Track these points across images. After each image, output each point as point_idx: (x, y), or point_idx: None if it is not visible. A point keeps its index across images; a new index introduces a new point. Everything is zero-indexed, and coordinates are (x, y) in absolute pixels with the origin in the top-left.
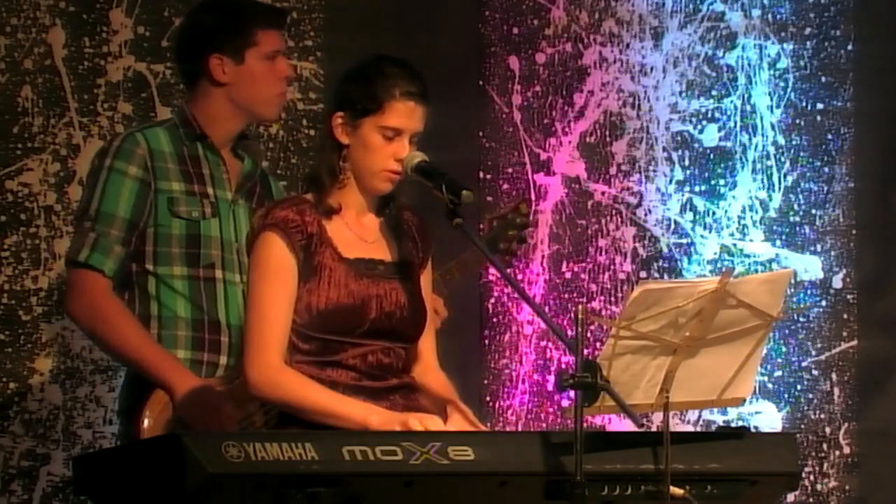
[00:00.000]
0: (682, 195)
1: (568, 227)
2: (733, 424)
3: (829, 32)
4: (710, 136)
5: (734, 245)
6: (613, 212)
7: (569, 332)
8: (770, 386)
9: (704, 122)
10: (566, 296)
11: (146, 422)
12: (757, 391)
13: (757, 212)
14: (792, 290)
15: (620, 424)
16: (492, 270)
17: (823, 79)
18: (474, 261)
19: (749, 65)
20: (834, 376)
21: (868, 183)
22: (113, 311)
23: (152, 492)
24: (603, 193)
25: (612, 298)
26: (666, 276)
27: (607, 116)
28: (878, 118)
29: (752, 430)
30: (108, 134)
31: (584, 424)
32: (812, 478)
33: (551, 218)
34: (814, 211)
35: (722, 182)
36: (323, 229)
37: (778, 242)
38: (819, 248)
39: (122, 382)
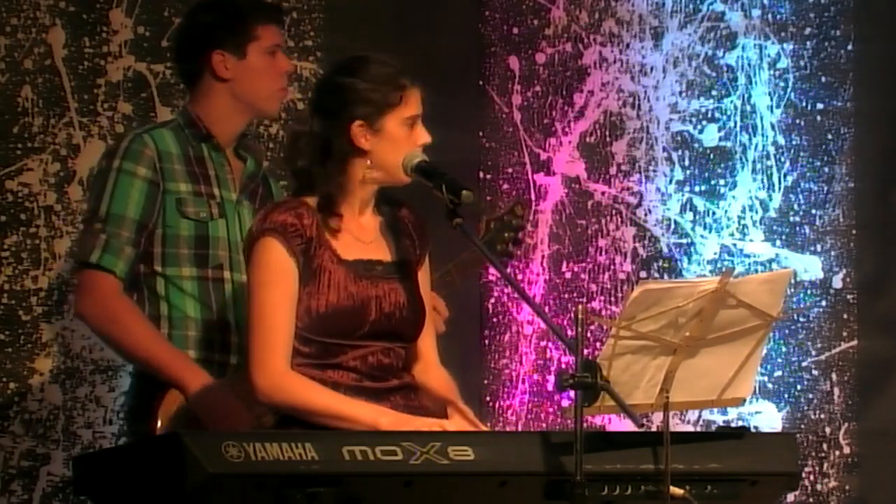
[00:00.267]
0: (682, 195)
1: (568, 227)
2: (733, 424)
3: (829, 32)
4: (710, 136)
5: (734, 245)
6: (613, 212)
7: (569, 332)
8: (770, 386)
9: (704, 122)
10: (566, 296)
11: (160, 422)
12: (757, 391)
13: (757, 212)
14: (792, 290)
15: (620, 424)
16: (492, 270)
17: (823, 79)
18: (473, 262)
19: (749, 65)
20: (834, 376)
21: (868, 183)
22: (125, 312)
23: (152, 492)
24: (603, 193)
25: (612, 298)
26: (666, 276)
27: (607, 116)
28: (878, 118)
29: (752, 430)
30: (108, 134)
31: (584, 424)
32: (812, 478)
33: (551, 218)
34: (814, 211)
35: (722, 182)
36: (321, 232)
37: (778, 242)
38: (819, 248)
39: (129, 383)
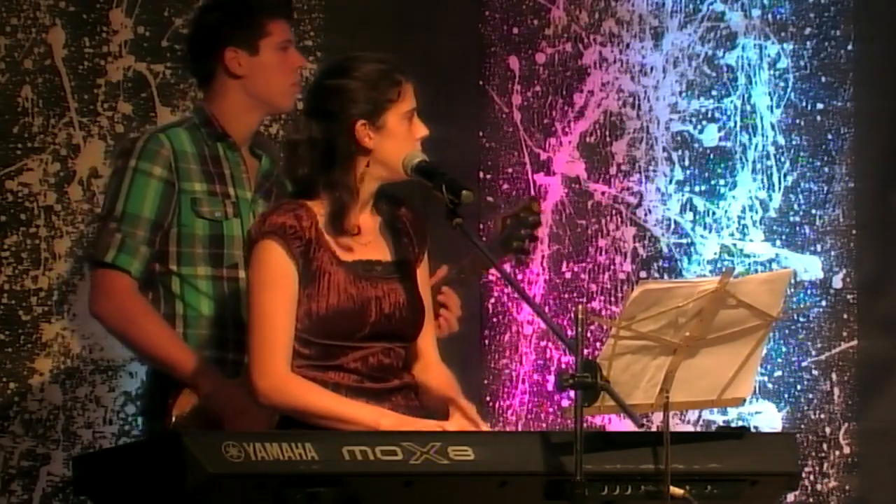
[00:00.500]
0: (682, 195)
1: (568, 227)
2: (733, 424)
3: (829, 32)
4: (710, 136)
5: (734, 245)
6: (613, 212)
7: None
8: (770, 386)
9: (704, 122)
10: (566, 296)
11: (175, 421)
12: (757, 391)
13: (757, 212)
14: (792, 290)
15: (620, 424)
16: (492, 270)
17: (823, 79)
18: (486, 259)
19: (749, 65)
20: (834, 376)
21: (868, 183)
22: (140, 312)
23: (152, 492)
24: (603, 193)
25: (612, 298)
26: (666, 276)
27: (607, 116)
28: (878, 118)
29: (752, 430)
30: (108, 134)
31: (584, 424)
32: (812, 478)
33: (551, 218)
34: (814, 211)
35: (722, 182)
36: (320, 234)
37: (778, 242)
38: (819, 248)
39: (144, 383)
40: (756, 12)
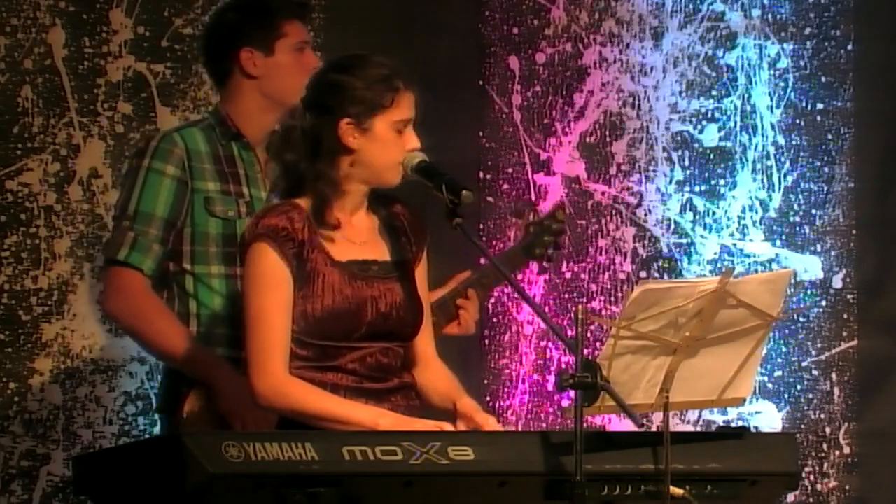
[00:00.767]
0: (682, 195)
1: (568, 227)
2: (733, 424)
3: (829, 32)
4: (710, 136)
5: (734, 245)
6: (613, 212)
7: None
8: (770, 386)
9: (704, 122)
10: (566, 296)
11: (186, 419)
12: (757, 391)
13: (757, 212)
14: (792, 290)
15: (620, 424)
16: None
17: (823, 79)
18: (511, 260)
19: (749, 65)
20: (834, 376)
21: (868, 183)
22: (153, 309)
23: (152, 492)
24: (603, 193)
25: (612, 298)
26: (666, 276)
27: (607, 116)
28: (878, 118)
29: (752, 430)
30: (108, 134)
31: (584, 424)
32: (812, 478)
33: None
34: (814, 211)
35: (722, 182)
36: (314, 234)
37: (778, 242)
38: (819, 248)
39: (160, 381)
40: (756, 12)
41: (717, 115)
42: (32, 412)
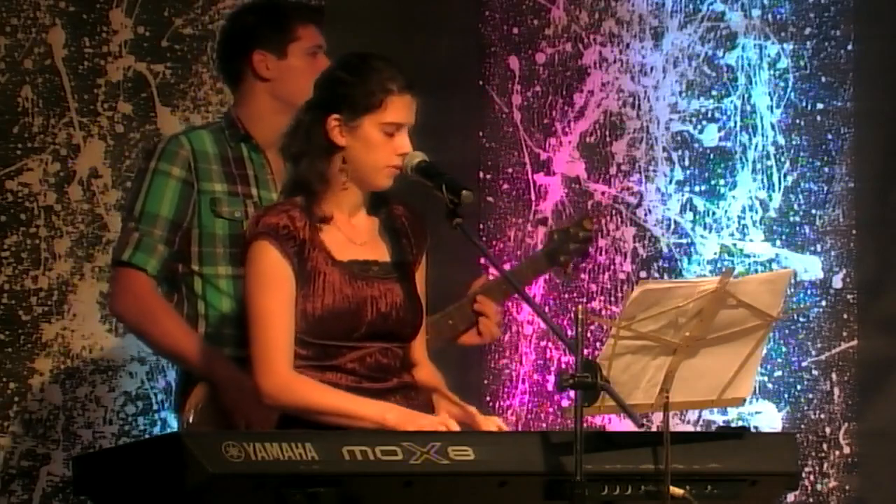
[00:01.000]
0: (682, 195)
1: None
2: (733, 424)
3: (829, 32)
4: (710, 136)
5: (734, 245)
6: (613, 212)
7: (569, 332)
8: (770, 386)
9: (704, 122)
10: (566, 296)
11: (191, 417)
12: (757, 391)
13: (757, 212)
14: (792, 290)
15: (620, 424)
16: (492, 270)
17: (823, 79)
18: (535, 267)
19: (749, 65)
20: (834, 376)
21: (868, 183)
22: (157, 308)
23: (152, 492)
24: (603, 193)
25: (612, 298)
26: (666, 276)
27: (607, 116)
28: (878, 118)
29: (752, 430)
30: (108, 134)
31: (584, 424)
32: (812, 478)
33: (551, 218)
34: (814, 211)
35: (722, 182)
36: (315, 233)
37: (778, 242)
38: (819, 248)
39: (175, 381)
40: (756, 12)
41: (717, 115)
42: (32, 412)
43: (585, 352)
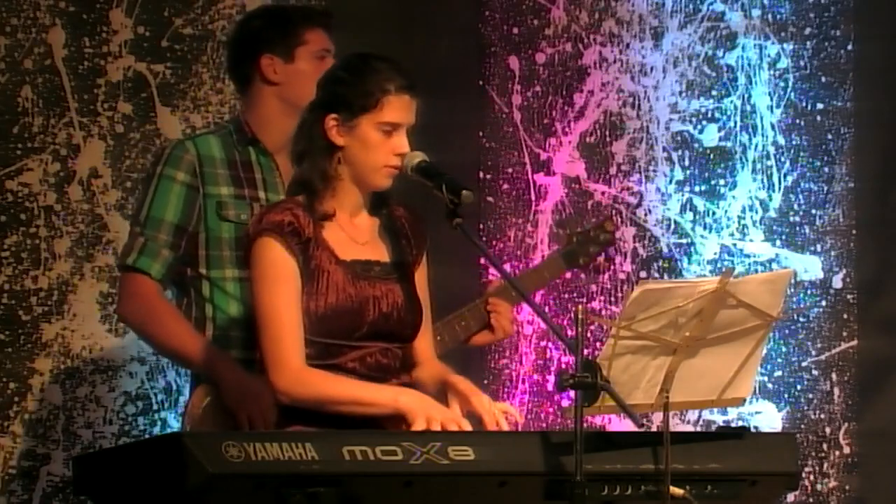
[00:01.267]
0: (682, 195)
1: (568, 227)
2: (733, 424)
3: (829, 32)
4: (710, 136)
5: (734, 245)
6: (613, 212)
7: (569, 332)
8: (770, 386)
9: (704, 122)
10: (566, 296)
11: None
12: (757, 391)
13: (757, 212)
14: (792, 290)
15: (620, 424)
16: (492, 270)
17: (823, 79)
18: (546, 268)
19: (749, 65)
20: (834, 376)
21: (868, 183)
22: (161, 311)
23: (152, 492)
24: (603, 193)
25: (612, 298)
26: (666, 276)
27: (607, 116)
28: (878, 118)
29: (752, 430)
30: (108, 134)
31: (584, 424)
32: (812, 478)
33: (551, 218)
34: (814, 211)
35: (722, 182)
36: (318, 232)
37: (778, 242)
38: (819, 248)
39: (189, 383)
40: (756, 12)
41: (717, 115)
42: (32, 412)
43: (585, 352)
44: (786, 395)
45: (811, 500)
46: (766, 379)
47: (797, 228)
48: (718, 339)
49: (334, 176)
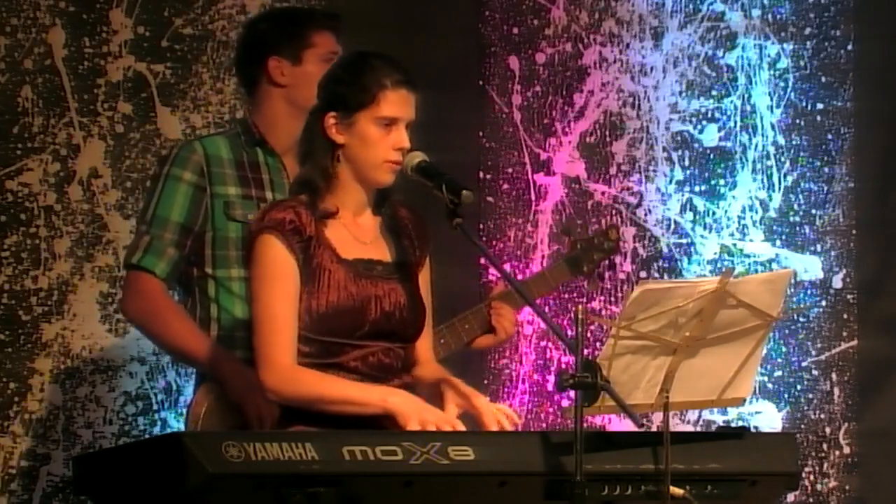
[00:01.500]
0: (682, 195)
1: (572, 233)
2: (733, 424)
3: (829, 32)
4: (710, 136)
5: (734, 245)
6: (613, 212)
7: (569, 332)
8: (770, 386)
9: (704, 122)
10: (566, 296)
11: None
12: (757, 391)
13: (757, 212)
14: (792, 290)
15: (620, 424)
16: (492, 270)
17: (823, 79)
18: (550, 275)
19: (749, 65)
20: (834, 376)
21: (868, 183)
22: (166, 310)
23: (152, 492)
24: (603, 193)
25: (612, 298)
26: (666, 276)
27: (607, 116)
28: (878, 118)
29: (752, 430)
30: (108, 134)
31: (584, 424)
32: (812, 478)
33: (551, 218)
34: (814, 211)
35: (722, 182)
36: (320, 231)
37: (778, 242)
38: (819, 248)
39: (193, 382)
40: (756, 12)
41: (717, 115)
42: (32, 412)
43: (585, 352)
44: (786, 395)
45: (811, 500)
46: (766, 379)
47: (797, 228)
48: (718, 339)
49: (335, 174)
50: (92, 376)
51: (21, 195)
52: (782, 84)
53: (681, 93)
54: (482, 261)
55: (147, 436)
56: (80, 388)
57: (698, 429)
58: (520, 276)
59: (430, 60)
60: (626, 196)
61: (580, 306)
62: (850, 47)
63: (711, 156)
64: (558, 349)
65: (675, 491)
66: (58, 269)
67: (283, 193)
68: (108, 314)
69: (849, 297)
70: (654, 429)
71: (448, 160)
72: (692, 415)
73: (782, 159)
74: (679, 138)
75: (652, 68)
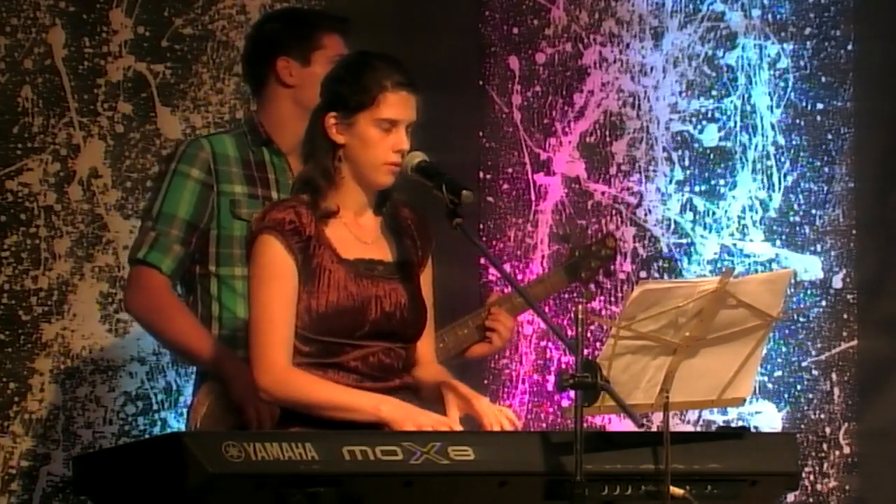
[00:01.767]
0: (682, 195)
1: (568, 227)
2: (733, 424)
3: (829, 32)
4: (710, 136)
5: (734, 245)
6: (613, 212)
7: (569, 332)
8: (770, 386)
9: (704, 122)
10: (566, 296)
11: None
12: (757, 391)
13: (757, 212)
14: (792, 290)
15: (620, 424)
16: (492, 270)
17: (823, 79)
18: (549, 281)
19: (749, 65)
20: (834, 376)
21: (868, 183)
22: (169, 306)
23: (152, 492)
24: (603, 193)
25: (612, 298)
26: (666, 276)
27: (607, 116)
28: (878, 118)
29: (752, 430)
30: (108, 134)
31: (584, 424)
32: (812, 478)
33: (551, 218)
34: (814, 211)
35: (722, 182)
36: (321, 231)
37: (778, 242)
38: (819, 248)
39: (193, 381)
40: (756, 12)
41: (717, 115)
42: (32, 412)
43: (585, 352)
44: (786, 395)
45: (811, 500)
46: (766, 379)
47: (797, 228)
48: (718, 339)
49: (336, 174)
50: (92, 376)
51: (21, 195)
52: (782, 84)
53: (681, 93)
54: (482, 261)
55: (147, 436)
56: (80, 388)
57: (698, 429)
58: (520, 277)
59: (430, 60)
60: (626, 196)
61: (580, 306)
62: (850, 47)
63: (711, 156)
64: (558, 349)
65: (675, 491)
66: (58, 269)
67: (288, 194)
68: (108, 314)
69: (849, 297)
70: (654, 429)
71: (448, 160)
72: (692, 415)
73: (782, 159)
74: (679, 138)
75: (652, 68)
